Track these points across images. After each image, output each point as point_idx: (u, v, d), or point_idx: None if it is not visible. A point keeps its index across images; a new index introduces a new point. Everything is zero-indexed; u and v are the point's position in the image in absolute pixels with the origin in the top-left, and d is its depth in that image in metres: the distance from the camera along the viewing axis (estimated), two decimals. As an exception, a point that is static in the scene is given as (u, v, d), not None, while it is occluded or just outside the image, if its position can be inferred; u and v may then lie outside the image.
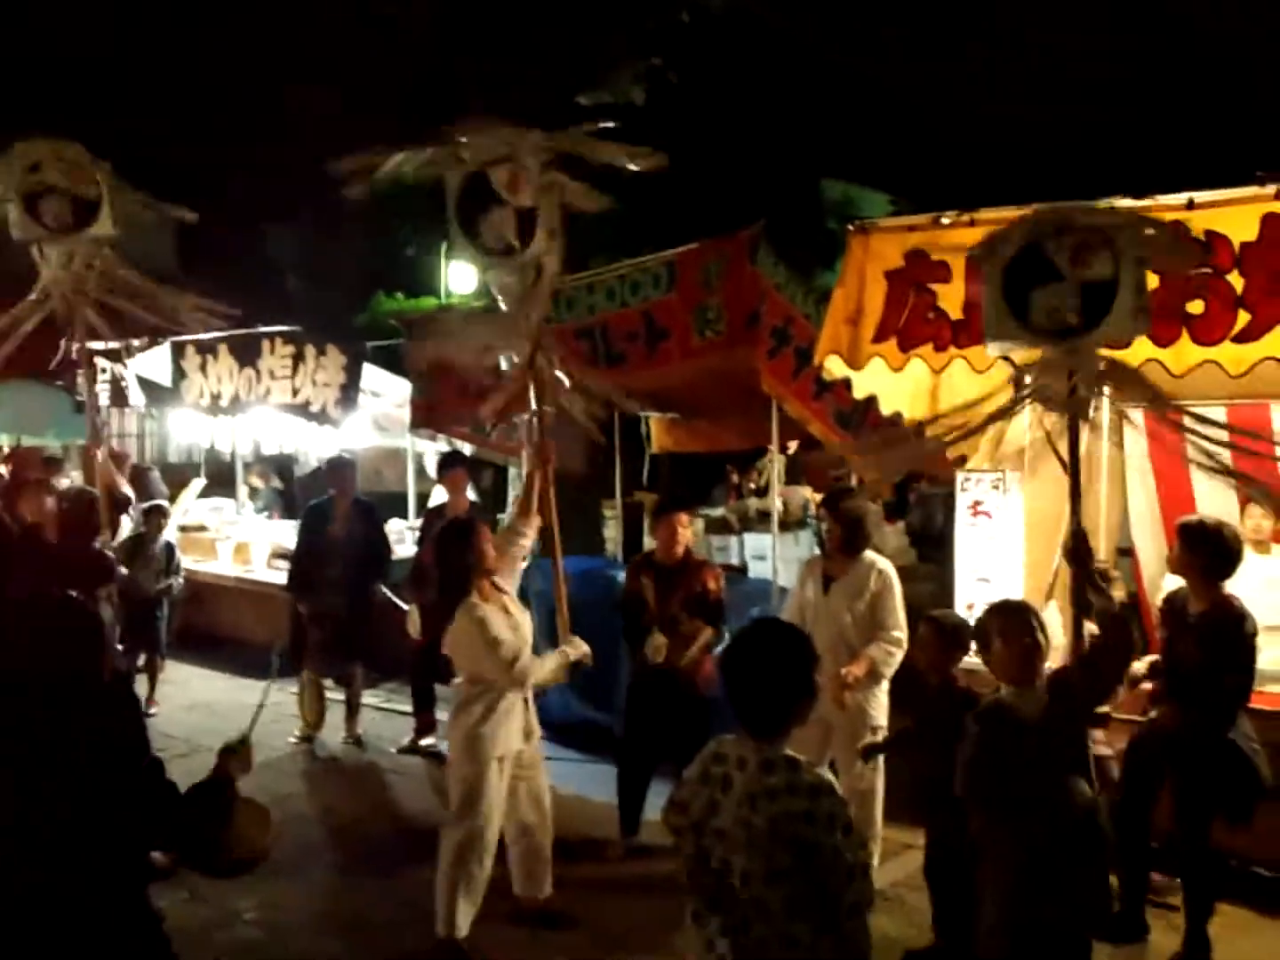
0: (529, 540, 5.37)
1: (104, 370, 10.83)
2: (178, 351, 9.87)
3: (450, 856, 4.76)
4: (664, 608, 5.81)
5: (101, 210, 5.78)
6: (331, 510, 7.68)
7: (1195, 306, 4.64)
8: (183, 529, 10.74)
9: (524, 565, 8.06)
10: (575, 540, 8.84)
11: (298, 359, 8.90)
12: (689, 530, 6.03)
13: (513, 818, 4.98)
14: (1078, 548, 3.97)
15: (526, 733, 4.96)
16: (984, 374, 4.96)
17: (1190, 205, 4.69)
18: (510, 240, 4.90)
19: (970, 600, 5.77)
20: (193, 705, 8.36)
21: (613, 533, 9.95)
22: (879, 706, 5.34)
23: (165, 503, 9.16)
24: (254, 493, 11.75)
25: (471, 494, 8.44)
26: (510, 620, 4.87)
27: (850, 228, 5.58)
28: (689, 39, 10.15)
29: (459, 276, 16.13)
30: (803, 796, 2.63)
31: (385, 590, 7.77)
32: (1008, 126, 14.26)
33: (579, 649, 5.10)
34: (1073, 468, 4.02)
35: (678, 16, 9.80)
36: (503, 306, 5.35)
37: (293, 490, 11.97)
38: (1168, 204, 4.74)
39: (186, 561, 10.13)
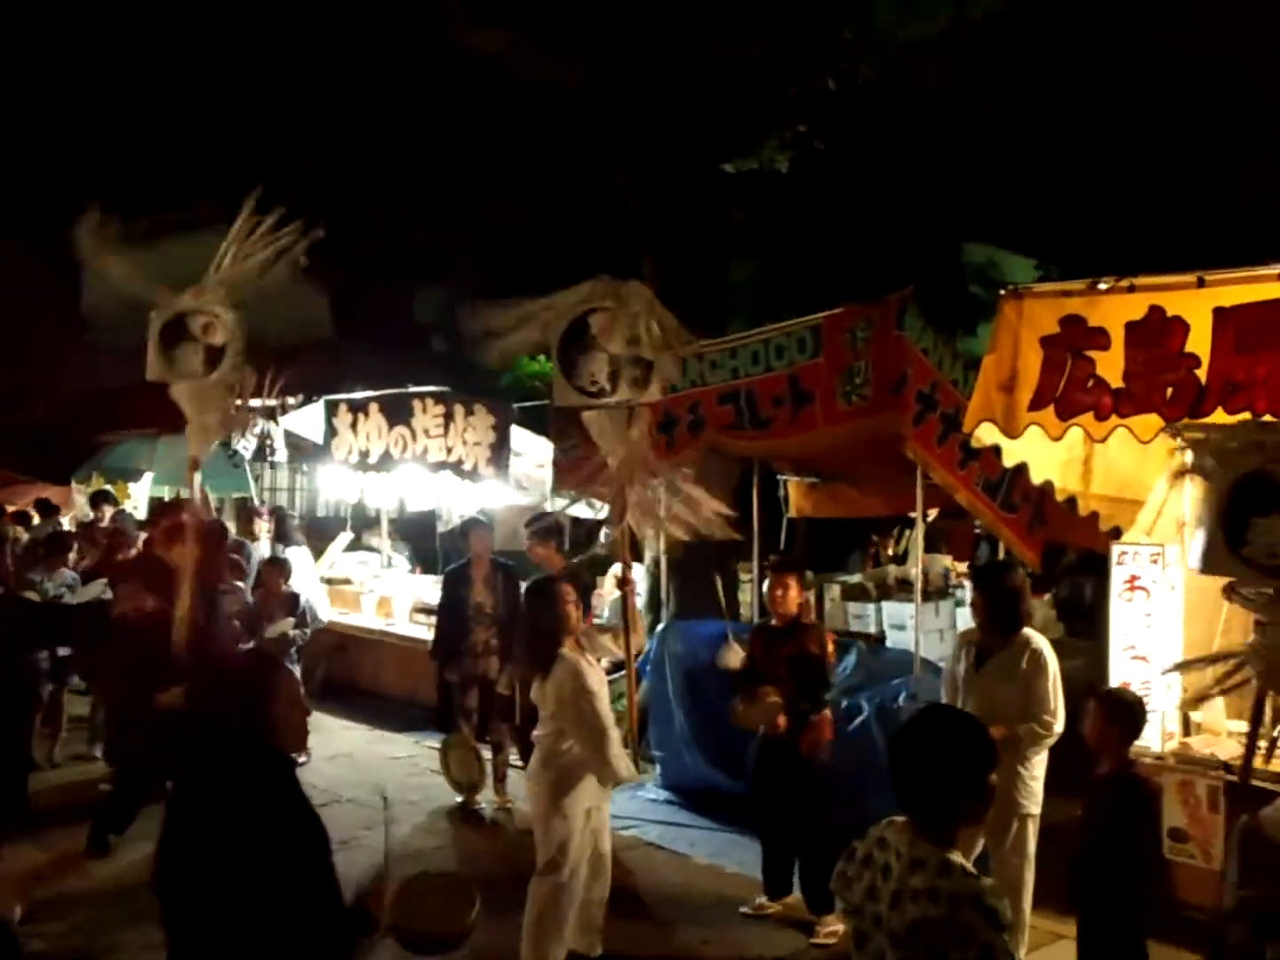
0: (616, 656, 5.48)
1: (257, 425, 11.34)
2: (330, 409, 10.21)
3: (539, 907, 4.87)
4: (768, 668, 5.78)
5: (226, 358, 6.13)
6: (469, 573, 7.76)
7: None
8: (328, 581, 11.05)
9: (659, 626, 8.20)
10: (712, 604, 8.82)
11: (448, 418, 9.11)
12: (795, 590, 5.92)
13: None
14: None
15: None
16: (1148, 444, 4.81)
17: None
18: (602, 383, 5.03)
19: (1125, 679, 5.54)
20: (334, 755, 8.53)
21: (748, 597, 9.89)
22: (1028, 793, 5.06)
23: (288, 555, 9.40)
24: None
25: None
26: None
27: (1003, 292, 5.48)
28: (834, 106, 10.19)
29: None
30: (942, 904, 2.46)
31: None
32: (1156, 188, 13.94)
33: (630, 771, 5.13)
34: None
35: (824, 84, 9.83)
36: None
37: (435, 547, 12.22)
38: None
39: (332, 614, 10.43)
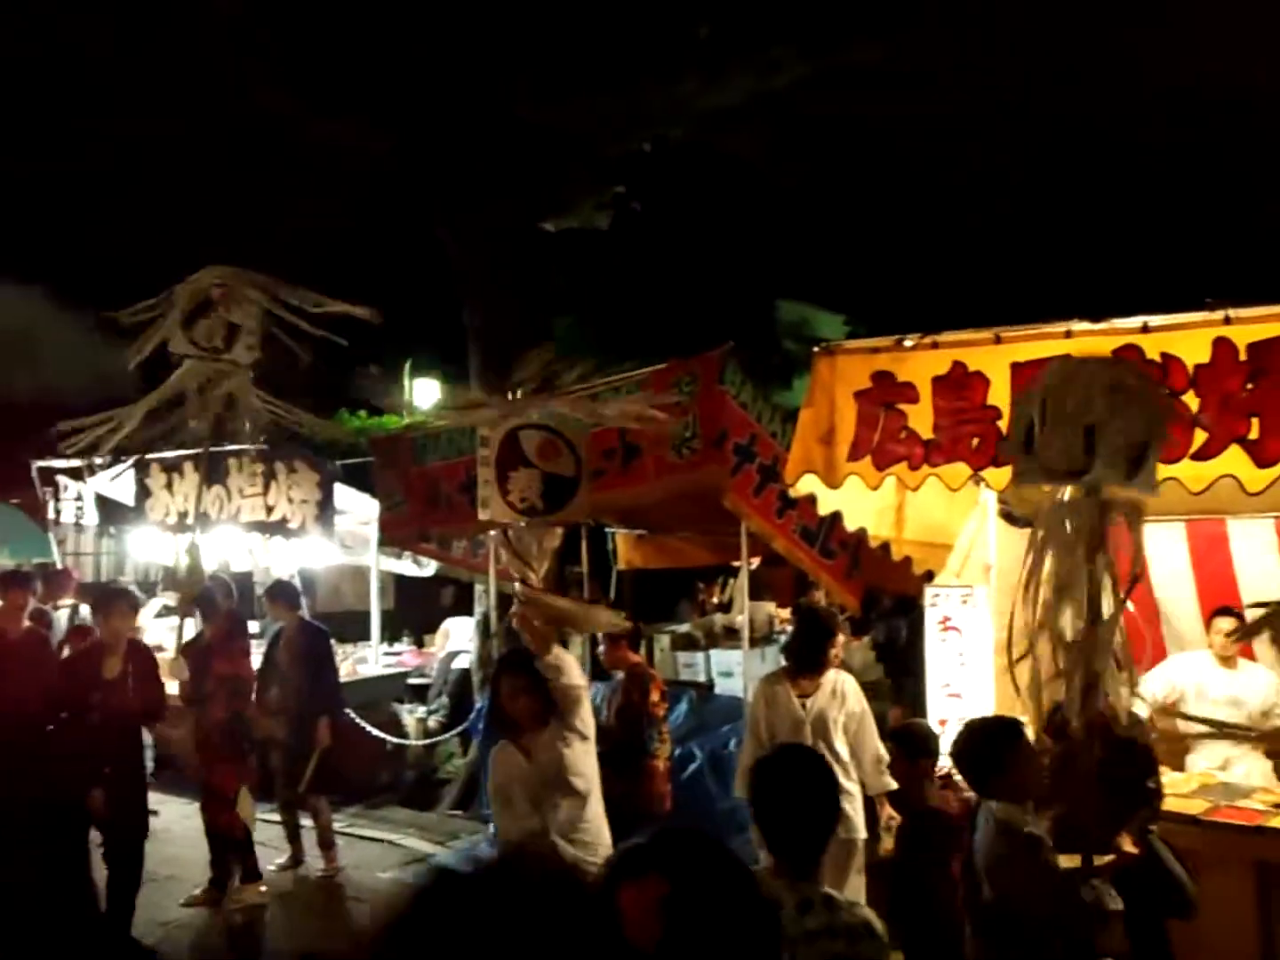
0: (569, 678, 4.95)
1: (66, 488, 10.81)
2: (142, 469, 9.78)
3: None
4: None
5: (243, 337, 6.00)
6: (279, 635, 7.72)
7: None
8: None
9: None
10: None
11: (268, 476, 8.85)
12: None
13: None
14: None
15: None
16: (957, 491, 5.08)
17: (1145, 329, 4.88)
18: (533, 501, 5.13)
19: (943, 715, 5.80)
20: (151, 832, 8.10)
21: (579, 651, 9.92)
22: (860, 823, 5.30)
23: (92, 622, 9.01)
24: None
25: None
26: (516, 762, 4.82)
27: (816, 350, 5.69)
28: (650, 168, 10.51)
29: (421, 394, 16.32)
30: (841, 940, 2.53)
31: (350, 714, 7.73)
32: (960, 248, 14.77)
33: None
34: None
35: (639, 146, 10.12)
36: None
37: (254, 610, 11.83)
38: (1124, 327, 4.92)
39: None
